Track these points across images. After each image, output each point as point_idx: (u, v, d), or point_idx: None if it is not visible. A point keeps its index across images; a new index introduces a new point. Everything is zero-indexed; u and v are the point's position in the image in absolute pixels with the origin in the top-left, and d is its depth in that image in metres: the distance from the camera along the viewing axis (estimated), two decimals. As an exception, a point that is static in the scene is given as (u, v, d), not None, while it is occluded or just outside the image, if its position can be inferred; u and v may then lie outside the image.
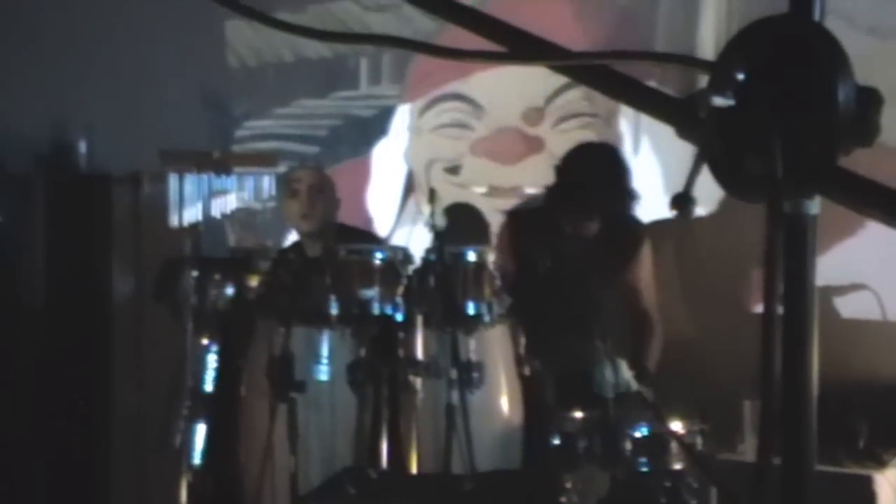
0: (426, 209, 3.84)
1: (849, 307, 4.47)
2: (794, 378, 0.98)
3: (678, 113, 0.98)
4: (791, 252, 0.97)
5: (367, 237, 4.85)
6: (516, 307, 3.82)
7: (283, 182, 4.80)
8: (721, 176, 0.99)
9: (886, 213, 0.90)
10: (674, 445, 3.44)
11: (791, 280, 0.97)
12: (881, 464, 4.01)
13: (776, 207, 0.94)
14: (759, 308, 0.96)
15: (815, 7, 0.96)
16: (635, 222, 4.23)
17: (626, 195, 4.03)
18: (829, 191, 0.95)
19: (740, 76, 0.95)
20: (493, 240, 4.76)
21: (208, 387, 4.35)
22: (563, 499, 3.28)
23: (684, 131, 0.99)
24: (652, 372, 4.08)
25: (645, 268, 4.25)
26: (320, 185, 4.67)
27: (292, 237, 4.99)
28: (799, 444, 0.99)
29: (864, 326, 4.45)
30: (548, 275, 4.09)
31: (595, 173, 4.02)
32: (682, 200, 0.97)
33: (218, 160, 4.93)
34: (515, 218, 4.37)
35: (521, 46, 1.07)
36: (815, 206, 0.97)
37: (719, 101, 0.94)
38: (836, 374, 3.66)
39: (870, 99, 0.93)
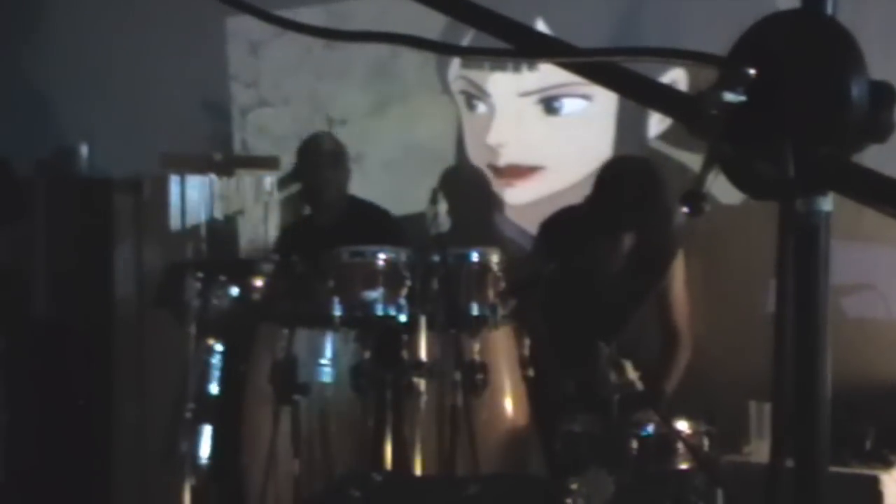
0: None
1: (855, 307, 4.45)
2: (808, 378, 0.97)
3: (689, 110, 0.96)
4: (804, 249, 0.96)
5: (377, 211, 4.78)
6: (529, 311, 3.83)
7: (305, 145, 4.77)
8: (733, 174, 0.98)
9: (900, 208, 0.89)
10: (680, 446, 3.42)
11: (804, 277, 0.96)
12: (887, 464, 4.00)
13: (788, 206, 0.93)
14: (767, 308, 0.95)
15: (828, 1, 0.94)
16: (671, 237, 4.18)
17: (661, 212, 3.99)
18: (842, 188, 0.93)
19: (751, 72, 0.93)
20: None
21: (213, 390, 4.33)
22: (569, 501, 3.27)
23: (695, 129, 0.98)
24: (670, 389, 4.11)
25: (677, 281, 4.23)
26: (339, 152, 4.71)
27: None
28: (812, 446, 0.97)
29: (870, 326, 4.42)
30: (579, 282, 4.11)
31: (631, 190, 3.98)
32: (693, 198, 0.95)
33: (219, 163, 4.92)
34: (552, 226, 4.32)
35: (527, 43, 1.06)
36: (827, 202, 0.96)
37: (730, 97, 0.93)
38: (843, 375, 3.63)
39: (884, 94, 0.92)
